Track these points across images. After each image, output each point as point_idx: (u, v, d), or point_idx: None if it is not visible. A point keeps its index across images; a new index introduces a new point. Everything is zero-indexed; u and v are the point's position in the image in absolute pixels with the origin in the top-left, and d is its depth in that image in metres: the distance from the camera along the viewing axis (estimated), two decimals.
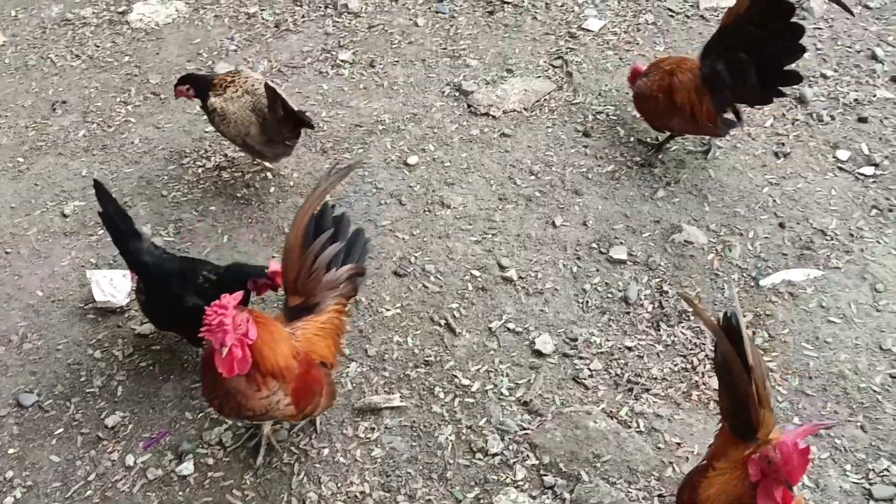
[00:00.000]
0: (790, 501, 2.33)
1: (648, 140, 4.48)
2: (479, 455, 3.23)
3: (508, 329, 3.66)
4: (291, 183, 4.36)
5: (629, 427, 3.29)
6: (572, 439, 3.22)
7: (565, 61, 4.98)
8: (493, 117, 4.69)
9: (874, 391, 3.37)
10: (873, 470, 3.13)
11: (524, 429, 3.29)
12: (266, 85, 3.88)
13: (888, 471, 3.12)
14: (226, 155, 4.52)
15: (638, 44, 5.10)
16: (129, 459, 3.23)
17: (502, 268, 3.90)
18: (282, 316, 3.03)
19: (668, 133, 4.37)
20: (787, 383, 3.41)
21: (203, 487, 3.15)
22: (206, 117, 4.26)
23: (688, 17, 5.24)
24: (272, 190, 4.33)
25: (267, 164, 4.41)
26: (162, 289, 3.32)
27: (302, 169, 4.43)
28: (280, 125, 3.96)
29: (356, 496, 3.11)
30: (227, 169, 4.45)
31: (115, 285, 3.76)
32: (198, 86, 4.16)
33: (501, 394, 3.43)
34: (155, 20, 5.51)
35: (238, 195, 4.30)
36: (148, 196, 4.31)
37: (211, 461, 3.22)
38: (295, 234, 2.96)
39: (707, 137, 4.37)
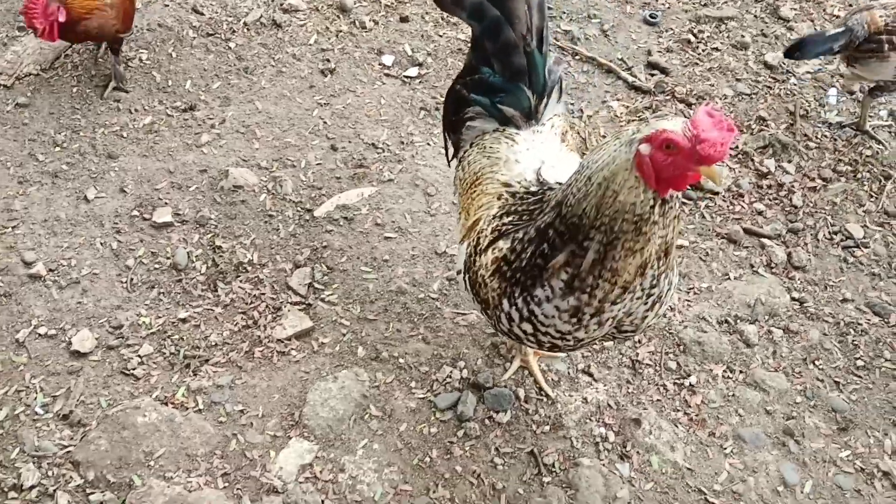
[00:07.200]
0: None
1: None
2: (12, 494, 2.77)
3: (40, 335, 3.16)
4: None
5: (186, 409, 2.99)
6: (120, 443, 2.86)
7: None
8: (5, 87, 4.00)
9: (432, 299, 3.34)
10: (437, 380, 3.12)
11: (65, 447, 2.86)
12: None
13: (450, 377, 3.12)
14: None
15: None
16: None
17: (27, 264, 3.35)
18: None
19: None
20: (349, 313, 3.29)
21: None
22: None
23: None
24: None
25: None
26: None
27: None
28: None
29: None
30: None
31: None
32: None
33: (36, 414, 2.96)
34: None
35: None
36: None
37: None
38: None
39: None
